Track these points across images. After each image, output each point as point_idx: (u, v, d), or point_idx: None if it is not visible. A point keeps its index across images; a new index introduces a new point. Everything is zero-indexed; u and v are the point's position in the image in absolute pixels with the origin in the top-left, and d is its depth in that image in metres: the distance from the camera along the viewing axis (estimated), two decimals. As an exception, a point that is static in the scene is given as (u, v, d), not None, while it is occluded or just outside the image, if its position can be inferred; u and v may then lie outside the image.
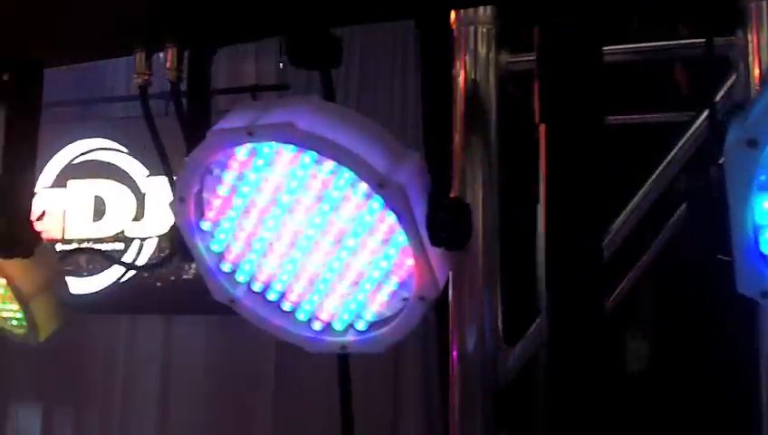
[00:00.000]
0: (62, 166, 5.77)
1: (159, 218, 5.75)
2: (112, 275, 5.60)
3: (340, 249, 1.32)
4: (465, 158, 1.62)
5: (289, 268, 1.37)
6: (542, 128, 1.28)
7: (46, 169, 5.61)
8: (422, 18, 1.45)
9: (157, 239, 5.72)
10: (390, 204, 1.23)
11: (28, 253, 1.45)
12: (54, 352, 5.85)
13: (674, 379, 2.33)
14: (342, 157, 1.23)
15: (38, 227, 1.43)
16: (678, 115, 1.83)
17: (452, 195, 1.45)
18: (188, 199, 1.34)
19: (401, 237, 1.27)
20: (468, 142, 1.66)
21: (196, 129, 1.47)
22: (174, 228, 1.44)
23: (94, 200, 5.72)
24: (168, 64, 1.46)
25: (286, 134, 1.23)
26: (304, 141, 1.23)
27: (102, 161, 5.78)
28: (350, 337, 1.39)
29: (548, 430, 1.18)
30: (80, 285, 5.32)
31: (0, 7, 1.50)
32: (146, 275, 5.52)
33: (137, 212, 5.78)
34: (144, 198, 5.78)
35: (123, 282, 5.59)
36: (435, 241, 1.24)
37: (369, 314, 1.37)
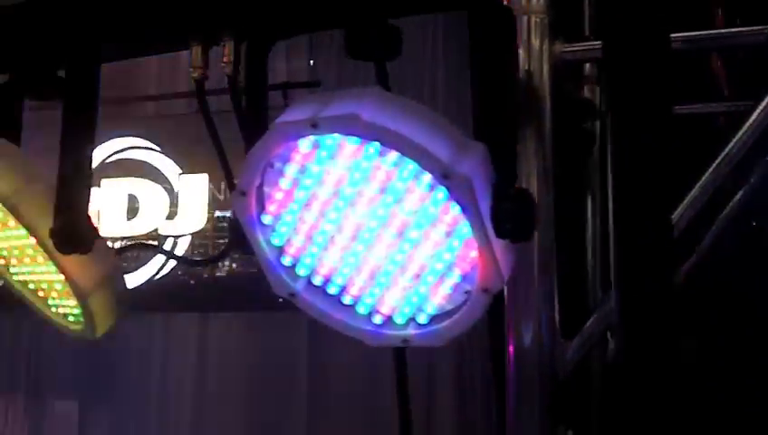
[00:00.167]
0: (96, 165, 5.79)
1: (193, 216, 5.78)
2: (146, 272, 5.64)
3: (403, 241, 1.31)
4: (519, 150, 1.60)
5: (350, 261, 1.36)
6: (610, 115, 1.26)
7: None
8: (476, 8, 1.43)
9: (190, 237, 5.75)
10: (455, 195, 1.22)
11: (87, 248, 1.46)
12: (90, 349, 5.91)
13: (725, 371, 2.30)
14: (406, 148, 1.21)
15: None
16: (736, 105, 1.80)
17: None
18: (250, 193, 1.34)
19: (465, 229, 1.26)
20: (522, 134, 1.65)
21: (253, 123, 1.47)
22: (233, 222, 1.44)
23: (128, 199, 5.76)
24: (224, 58, 1.46)
25: (351, 125, 1.22)
26: (368, 133, 1.22)
27: (135, 160, 5.82)
28: (412, 331, 1.38)
29: (621, 422, 1.16)
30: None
31: (55, 1, 1.51)
32: (180, 272, 5.54)
33: (170, 210, 5.81)
34: (177, 197, 5.81)
35: (158, 280, 5.63)
36: (500, 233, 1.23)
37: (431, 308, 1.35)
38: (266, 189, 1.35)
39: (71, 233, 1.44)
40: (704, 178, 1.67)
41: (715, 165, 1.66)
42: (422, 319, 1.37)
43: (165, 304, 5.68)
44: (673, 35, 1.63)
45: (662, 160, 1.18)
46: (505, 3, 1.65)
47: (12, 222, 1.53)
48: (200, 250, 5.71)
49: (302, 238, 1.37)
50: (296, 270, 1.40)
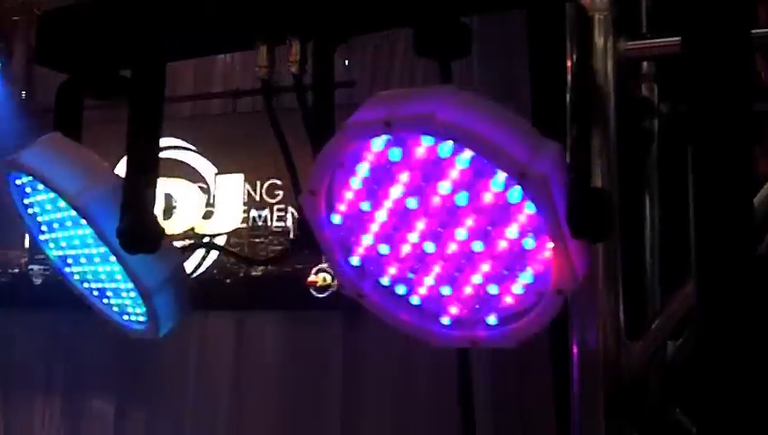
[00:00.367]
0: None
1: (228, 216, 5.81)
2: (183, 271, 5.65)
3: (475, 242, 1.29)
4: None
5: (420, 261, 1.34)
6: (687, 112, 1.24)
7: (117, 168, 5.71)
8: (538, 6, 1.42)
9: (225, 237, 5.78)
10: (532, 194, 1.20)
11: (153, 248, 1.46)
12: (126, 349, 5.95)
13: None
14: (482, 147, 1.20)
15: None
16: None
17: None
18: (320, 193, 1.33)
19: (540, 229, 1.24)
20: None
21: (320, 122, 1.46)
22: (299, 222, 1.43)
23: (164, 198, 5.80)
24: (290, 57, 1.45)
25: (426, 124, 1.21)
26: (444, 131, 1.21)
27: (172, 160, 5.86)
28: (480, 332, 1.36)
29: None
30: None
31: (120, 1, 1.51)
32: (216, 271, 5.56)
33: (206, 210, 5.84)
34: (213, 196, 5.84)
35: (193, 278, 5.65)
36: (576, 233, 1.21)
37: (502, 308, 1.34)
38: (335, 188, 1.35)
39: (137, 233, 1.44)
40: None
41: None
42: (492, 320, 1.35)
43: (201, 302, 5.71)
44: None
45: (744, 155, 1.15)
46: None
47: (77, 221, 1.53)
48: (235, 249, 5.73)
49: (372, 238, 1.36)
50: (364, 270, 1.39)
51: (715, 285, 1.15)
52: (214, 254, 5.78)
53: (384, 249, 1.36)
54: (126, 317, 1.65)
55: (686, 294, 1.65)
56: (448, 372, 5.25)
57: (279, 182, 5.78)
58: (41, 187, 1.55)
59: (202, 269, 5.71)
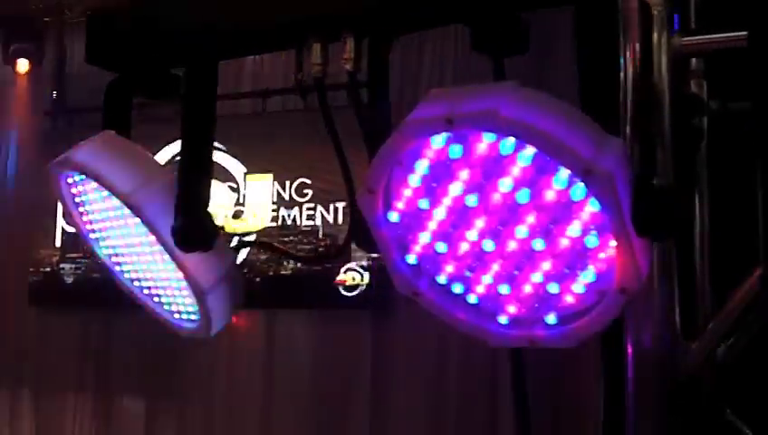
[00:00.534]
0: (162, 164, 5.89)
1: (258, 215, 5.82)
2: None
3: (536, 240, 1.28)
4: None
5: (478, 259, 1.33)
6: (757, 108, 1.21)
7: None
8: (588, 2, 1.40)
9: (255, 236, 5.79)
10: (596, 192, 1.18)
11: (208, 246, 1.45)
12: (157, 346, 5.98)
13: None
14: (546, 143, 1.18)
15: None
16: None
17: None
18: (378, 191, 1.32)
19: (603, 227, 1.22)
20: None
21: (376, 121, 1.45)
22: (355, 221, 1.42)
23: (194, 198, 5.81)
24: (345, 55, 1.44)
25: (489, 121, 1.19)
26: (508, 128, 1.19)
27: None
28: (539, 331, 1.35)
29: None
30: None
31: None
32: (246, 270, 5.56)
33: (235, 209, 5.86)
34: (243, 196, 5.86)
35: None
36: (641, 231, 1.19)
37: (561, 308, 1.32)
38: (393, 187, 1.33)
39: (192, 231, 1.43)
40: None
41: None
42: (551, 319, 1.33)
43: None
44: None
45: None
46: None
47: (130, 220, 1.53)
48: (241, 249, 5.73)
49: (429, 236, 1.34)
50: (421, 269, 1.38)
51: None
52: (243, 253, 5.80)
53: (442, 247, 1.34)
54: (177, 316, 1.65)
55: (741, 294, 1.62)
56: (478, 372, 5.24)
57: (308, 181, 5.79)
58: (93, 185, 1.55)
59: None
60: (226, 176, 5.87)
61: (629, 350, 1.61)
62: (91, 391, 6.21)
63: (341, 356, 5.63)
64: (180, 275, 1.51)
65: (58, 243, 6.29)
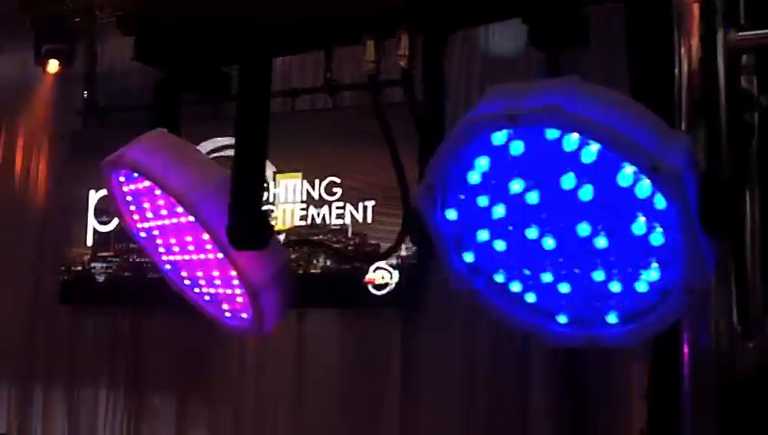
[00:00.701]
0: (192, 164, 5.90)
1: (287, 214, 5.83)
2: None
3: (598, 238, 1.26)
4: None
5: (538, 258, 1.31)
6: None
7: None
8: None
9: (284, 235, 5.79)
10: (664, 189, 1.16)
11: (262, 245, 1.45)
12: (188, 344, 6.01)
13: None
14: (613, 140, 1.16)
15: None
16: None
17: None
18: (437, 187, 1.30)
19: (669, 225, 1.20)
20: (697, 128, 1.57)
21: (431, 117, 1.43)
22: (411, 217, 1.41)
23: (224, 197, 5.82)
24: (400, 51, 1.42)
25: (552, 117, 1.17)
26: (572, 124, 1.17)
27: (231, 159, 5.88)
28: (599, 331, 1.33)
29: None
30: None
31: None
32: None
33: (265, 209, 5.86)
34: (273, 195, 5.86)
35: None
36: (711, 230, 1.16)
37: (623, 307, 1.30)
38: (452, 184, 1.32)
39: (247, 230, 1.43)
40: None
41: None
42: (612, 319, 1.31)
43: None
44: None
45: None
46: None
47: (183, 218, 1.53)
48: (295, 247, 5.74)
49: (488, 234, 1.33)
50: (478, 266, 1.36)
51: None
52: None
53: (500, 245, 1.33)
54: (228, 314, 1.64)
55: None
56: (509, 370, 5.20)
57: (337, 180, 5.78)
58: (146, 183, 1.55)
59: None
60: (256, 175, 5.88)
61: (686, 349, 1.59)
62: (123, 387, 6.25)
63: (371, 354, 5.62)
64: (233, 273, 1.51)
65: (89, 242, 6.34)
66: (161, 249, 1.66)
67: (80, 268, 6.35)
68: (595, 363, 4.83)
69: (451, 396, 5.31)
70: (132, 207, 1.64)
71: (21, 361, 6.59)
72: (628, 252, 1.25)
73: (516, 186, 1.27)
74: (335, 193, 5.79)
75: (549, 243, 1.29)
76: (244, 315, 1.61)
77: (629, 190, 1.21)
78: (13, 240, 6.75)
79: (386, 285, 5.57)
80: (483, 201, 1.30)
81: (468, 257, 1.36)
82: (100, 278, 6.28)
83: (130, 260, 6.16)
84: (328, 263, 5.78)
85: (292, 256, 5.84)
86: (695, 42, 1.60)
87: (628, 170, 1.19)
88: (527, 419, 5.13)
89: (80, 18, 6.36)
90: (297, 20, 1.46)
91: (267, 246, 1.46)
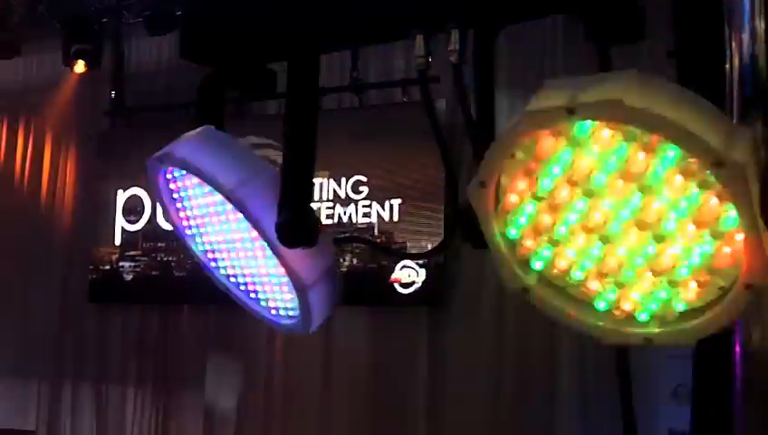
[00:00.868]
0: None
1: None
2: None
3: (656, 234, 1.24)
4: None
5: (593, 254, 1.29)
6: None
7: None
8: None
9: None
10: (727, 184, 1.14)
11: (312, 242, 1.44)
12: (216, 342, 6.03)
13: None
14: (674, 134, 1.14)
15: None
16: None
17: None
18: (490, 185, 1.29)
19: (729, 220, 1.18)
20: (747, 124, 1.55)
21: (481, 113, 1.42)
22: (461, 214, 1.39)
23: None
24: (450, 47, 1.41)
25: (612, 110, 1.15)
26: (633, 118, 1.15)
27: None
28: (656, 328, 1.30)
29: None
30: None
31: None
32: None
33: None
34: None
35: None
36: (774, 224, 1.14)
37: (680, 304, 1.28)
38: (503, 180, 1.30)
39: (296, 227, 1.42)
40: None
41: None
42: (669, 316, 1.29)
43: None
44: None
45: None
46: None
47: (231, 215, 1.53)
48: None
49: (542, 230, 1.31)
50: (531, 264, 1.34)
51: None
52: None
53: (555, 242, 1.31)
54: (274, 312, 1.63)
55: None
56: (536, 369, 5.17)
57: (363, 179, 5.79)
58: (194, 180, 1.55)
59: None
60: (283, 173, 5.88)
61: (737, 349, 1.57)
62: (151, 384, 6.29)
63: (398, 352, 5.61)
64: (281, 270, 1.50)
65: (118, 241, 6.38)
66: (207, 246, 1.66)
67: (108, 267, 6.40)
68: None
69: (478, 394, 5.30)
70: (179, 205, 1.63)
71: (50, 358, 6.65)
72: (688, 248, 1.23)
73: (572, 181, 1.25)
74: (361, 192, 5.79)
75: (604, 240, 1.27)
76: (291, 313, 1.60)
77: (690, 186, 1.18)
78: (42, 240, 6.81)
79: (412, 283, 5.56)
80: (538, 197, 1.28)
81: (521, 255, 1.34)
82: (129, 277, 6.32)
83: (158, 259, 6.20)
84: (354, 262, 5.78)
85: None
86: (745, 36, 1.58)
87: (690, 165, 1.17)
88: (554, 417, 5.10)
89: (107, 18, 6.40)
90: (345, 16, 1.45)
91: (316, 244, 1.45)
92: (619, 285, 1.30)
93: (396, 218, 5.68)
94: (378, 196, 5.74)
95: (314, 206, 6.00)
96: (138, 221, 6.30)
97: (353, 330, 5.73)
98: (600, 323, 1.34)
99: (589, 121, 1.20)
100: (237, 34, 1.57)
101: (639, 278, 1.28)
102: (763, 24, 1.59)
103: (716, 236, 1.21)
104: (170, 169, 1.59)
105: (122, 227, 6.36)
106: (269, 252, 1.49)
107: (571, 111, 1.18)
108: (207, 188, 1.52)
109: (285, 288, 1.55)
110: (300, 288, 1.49)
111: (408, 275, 5.62)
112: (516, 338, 5.25)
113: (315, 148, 1.47)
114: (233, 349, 5.95)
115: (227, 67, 1.63)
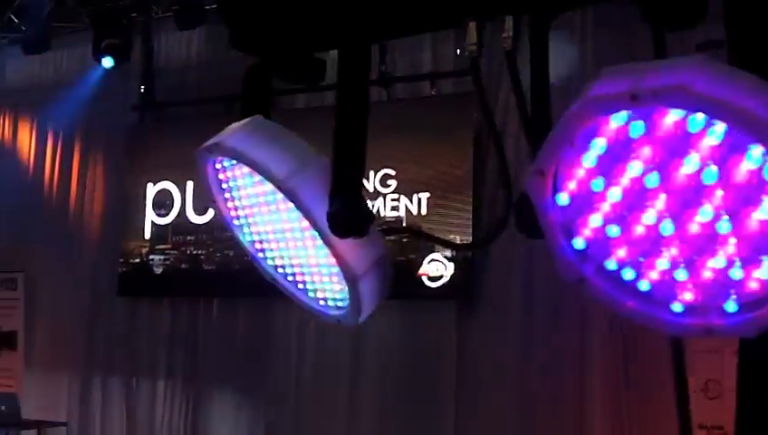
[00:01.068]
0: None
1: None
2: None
3: (720, 222, 1.21)
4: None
5: (653, 243, 1.27)
6: None
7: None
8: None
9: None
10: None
11: (363, 232, 1.43)
12: (245, 335, 6.05)
13: None
14: (741, 120, 1.12)
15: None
16: None
17: None
18: (549, 173, 1.27)
19: (797, 208, 1.15)
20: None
21: (536, 100, 1.40)
22: (515, 204, 1.38)
23: (278, 189, 5.84)
24: (504, 34, 1.39)
25: (678, 96, 1.13)
26: (699, 104, 1.13)
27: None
28: (717, 319, 1.28)
29: None
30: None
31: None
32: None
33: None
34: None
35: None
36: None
37: (744, 294, 1.25)
38: (563, 168, 1.28)
39: (349, 217, 1.41)
40: None
41: None
42: (731, 307, 1.26)
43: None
44: None
45: None
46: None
47: (282, 205, 1.52)
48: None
49: (601, 219, 1.29)
50: (588, 254, 1.32)
51: None
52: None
53: (614, 231, 1.29)
54: (322, 303, 1.63)
55: None
56: (564, 360, 5.12)
57: (392, 172, 5.76)
58: (244, 170, 1.54)
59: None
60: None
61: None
62: (180, 377, 6.32)
63: (426, 346, 5.60)
64: (332, 260, 1.49)
65: (147, 235, 6.41)
66: (255, 237, 1.65)
67: (138, 261, 6.43)
68: (648, 352, 4.76)
69: (507, 387, 5.27)
70: (227, 195, 1.63)
71: (81, 351, 6.70)
72: (752, 237, 1.20)
73: (634, 168, 1.23)
74: (390, 185, 5.78)
75: (667, 228, 1.25)
76: (340, 304, 1.59)
77: (756, 172, 1.16)
78: (72, 234, 6.86)
79: (440, 277, 5.54)
80: (597, 185, 1.27)
81: (578, 244, 1.32)
82: (158, 270, 6.35)
83: (187, 252, 6.23)
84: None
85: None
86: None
87: (756, 151, 1.15)
88: (584, 410, 5.06)
89: (136, 13, 6.43)
90: (397, 4, 1.43)
91: (367, 235, 1.44)
92: (681, 275, 1.28)
93: (424, 212, 5.66)
94: (406, 189, 5.72)
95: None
96: (167, 215, 6.33)
97: (381, 323, 5.71)
98: (661, 315, 1.31)
99: (653, 107, 1.18)
100: (286, 23, 1.56)
101: (702, 267, 1.26)
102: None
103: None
104: (219, 158, 1.58)
105: (152, 221, 6.40)
106: (320, 242, 1.48)
107: (635, 98, 1.16)
108: (258, 178, 1.52)
109: (335, 278, 1.54)
110: (350, 278, 1.48)
111: (436, 268, 5.59)
112: (545, 330, 5.22)
113: (366, 137, 1.46)
114: (262, 342, 5.96)
115: (274, 56, 1.62)
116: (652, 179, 1.22)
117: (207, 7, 6.03)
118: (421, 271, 5.56)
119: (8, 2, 6.48)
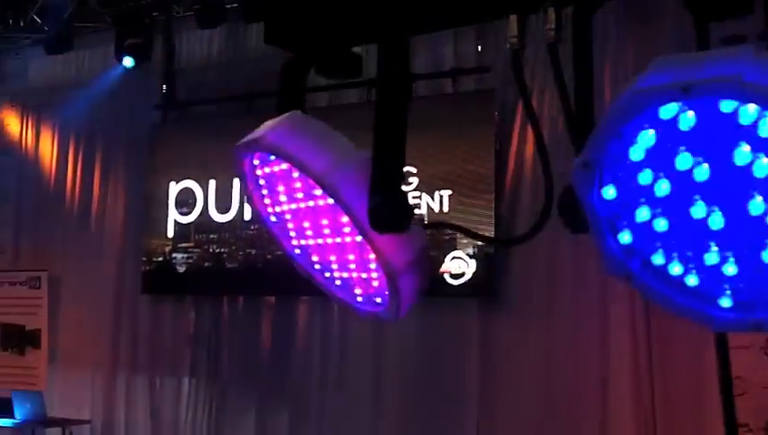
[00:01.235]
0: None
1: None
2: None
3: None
4: None
5: (703, 237, 1.25)
6: None
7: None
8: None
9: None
10: None
11: (403, 227, 1.42)
12: (268, 334, 6.06)
13: None
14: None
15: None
16: None
17: None
18: (594, 166, 1.25)
19: None
20: None
21: (580, 92, 1.38)
22: (549, 199, 1.36)
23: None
24: (547, 26, 1.37)
25: (732, 88, 1.11)
26: (753, 95, 1.11)
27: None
28: (766, 314, 1.26)
29: None
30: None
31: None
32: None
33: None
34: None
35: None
36: None
37: (795, 289, 1.23)
38: (610, 161, 1.27)
39: (389, 212, 1.40)
40: None
41: None
42: (780, 302, 1.24)
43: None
44: None
45: None
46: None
47: (321, 201, 1.51)
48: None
49: (648, 213, 1.27)
50: (634, 248, 1.30)
51: None
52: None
53: (662, 224, 1.27)
54: (360, 299, 1.62)
55: None
56: (587, 360, 5.09)
57: (413, 170, 5.75)
58: (283, 166, 1.53)
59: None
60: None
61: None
62: (204, 375, 6.35)
63: (448, 344, 5.58)
64: (371, 256, 1.48)
65: (170, 233, 6.44)
66: (292, 233, 1.65)
67: (161, 259, 6.46)
68: (674, 354, 4.72)
69: (528, 384, 5.25)
70: (264, 191, 1.62)
71: (105, 349, 6.74)
72: (805, 231, 1.18)
73: (683, 161, 1.21)
74: (411, 182, 5.76)
75: (716, 221, 1.23)
76: (378, 300, 1.58)
77: (812, 164, 1.14)
78: (95, 233, 6.90)
79: (462, 274, 5.52)
80: (645, 178, 1.25)
81: (625, 238, 1.30)
82: (181, 268, 6.37)
83: (210, 250, 6.25)
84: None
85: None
86: None
87: (812, 143, 1.13)
88: (607, 409, 5.03)
89: (158, 12, 6.45)
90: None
91: (408, 230, 1.43)
92: (730, 270, 1.26)
93: (446, 209, 5.65)
94: (427, 187, 5.71)
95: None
96: (190, 213, 6.35)
97: (403, 321, 5.69)
98: (709, 311, 1.29)
99: (705, 99, 1.16)
100: (322, 18, 1.55)
101: (752, 261, 1.24)
102: None
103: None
104: (257, 154, 1.57)
105: (175, 220, 6.42)
106: (359, 237, 1.47)
107: (686, 90, 1.14)
108: (295, 174, 1.51)
109: (374, 274, 1.53)
110: (390, 274, 1.47)
111: (458, 266, 5.58)
112: (567, 328, 5.19)
113: (406, 131, 1.44)
114: (285, 340, 5.97)
115: (311, 52, 1.61)
116: (702, 172, 1.20)
117: (228, 6, 6.04)
118: (443, 268, 5.55)
119: (31, 2, 6.51)
